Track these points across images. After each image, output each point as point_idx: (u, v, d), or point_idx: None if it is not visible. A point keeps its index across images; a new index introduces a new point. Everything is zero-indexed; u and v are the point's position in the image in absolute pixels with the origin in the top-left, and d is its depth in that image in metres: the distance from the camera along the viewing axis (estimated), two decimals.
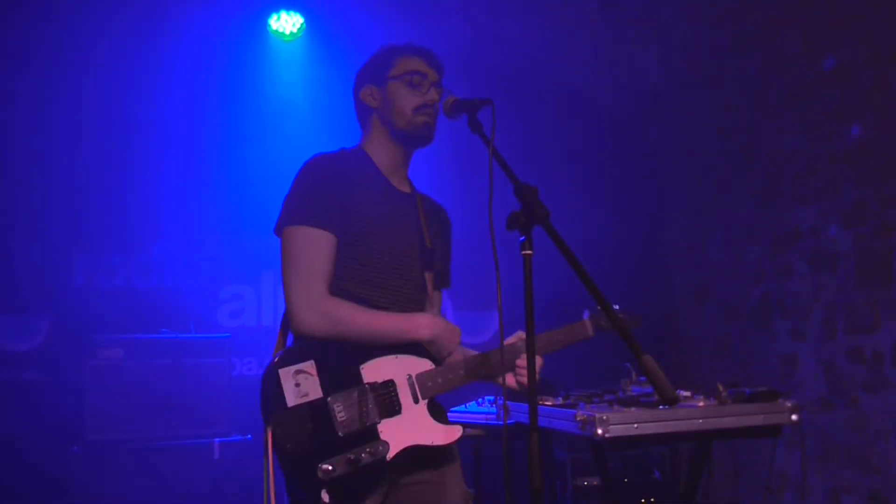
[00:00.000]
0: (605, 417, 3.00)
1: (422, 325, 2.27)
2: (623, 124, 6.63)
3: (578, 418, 3.07)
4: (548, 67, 6.28)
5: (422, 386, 2.25)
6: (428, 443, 2.22)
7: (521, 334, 2.36)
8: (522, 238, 1.91)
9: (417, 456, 2.25)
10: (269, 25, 5.74)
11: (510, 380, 2.37)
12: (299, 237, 2.25)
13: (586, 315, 2.54)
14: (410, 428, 2.21)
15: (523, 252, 1.87)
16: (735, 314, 5.73)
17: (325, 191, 2.29)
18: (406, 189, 2.52)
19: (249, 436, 4.89)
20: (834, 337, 4.83)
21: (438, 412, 2.33)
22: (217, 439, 4.78)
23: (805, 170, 5.06)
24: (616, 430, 3.00)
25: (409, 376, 2.25)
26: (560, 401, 3.57)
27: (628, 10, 5.56)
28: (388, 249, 2.34)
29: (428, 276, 2.45)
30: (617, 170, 6.48)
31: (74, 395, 4.70)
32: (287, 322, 2.28)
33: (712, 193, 6.06)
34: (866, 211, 4.61)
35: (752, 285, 5.55)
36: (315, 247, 2.24)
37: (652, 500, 4.56)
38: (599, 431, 2.97)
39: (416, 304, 2.39)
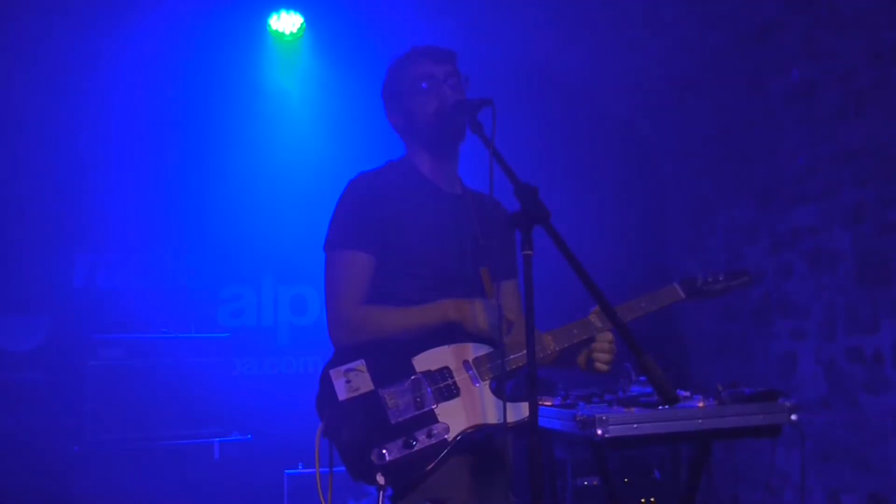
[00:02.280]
0: (604, 417, 3.00)
1: (449, 307, 2.30)
2: (623, 124, 6.63)
3: (578, 418, 3.07)
4: (547, 67, 6.28)
5: (480, 369, 2.27)
6: (493, 421, 2.22)
7: (598, 310, 2.34)
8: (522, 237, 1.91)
9: (484, 447, 2.28)
10: (269, 25, 5.74)
11: (581, 359, 2.39)
12: (334, 260, 2.40)
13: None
14: (471, 409, 2.22)
15: (523, 252, 1.87)
16: (735, 314, 5.73)
17: (361, 211, 2.38)
18: (457, 190, 2.55)
19: (249, 436, 4.90)
20: (834, 337, 4.83)
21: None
22: (217, 439, 4.78)
23: (805, 170, 5.07)
24: (616, 430, 3.00)
25: (466, 361, 2.27)
26: (560, 401, 3.57)
27: (628, 10, 5.57)
28: (433, 252, 2.39)
29: (483, 271, 2.46)
30: (617, 170, 6.48)
31: (74, 395, 4.70)
32: None
33: (712, 193, 6.06)
34: (866, 211, 4.61)
35: (752, 285, 5.55)
36: (347, 269, 2.37)
37: (652, 500, 4.56)
38: (599, 431, 2.97)
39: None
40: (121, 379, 4.71)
